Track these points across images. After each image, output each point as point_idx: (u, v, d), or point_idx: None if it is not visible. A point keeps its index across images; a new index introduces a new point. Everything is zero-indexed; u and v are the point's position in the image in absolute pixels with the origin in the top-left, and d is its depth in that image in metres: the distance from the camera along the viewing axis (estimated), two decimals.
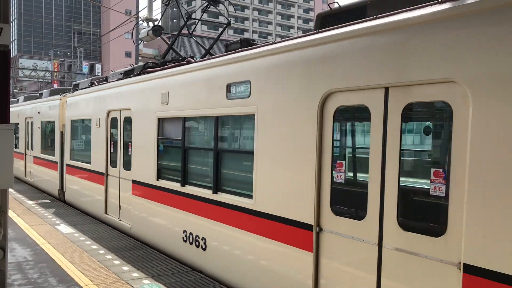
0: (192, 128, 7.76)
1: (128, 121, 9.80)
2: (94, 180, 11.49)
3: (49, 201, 13.94)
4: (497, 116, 3.52)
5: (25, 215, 11.38)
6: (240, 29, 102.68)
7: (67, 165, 13.55)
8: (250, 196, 6.16)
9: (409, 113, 4.32)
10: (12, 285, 6.33)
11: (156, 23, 12.99)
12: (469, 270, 3.66)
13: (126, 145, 9.90)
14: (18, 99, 22.03)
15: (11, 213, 11.52)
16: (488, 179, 3.58)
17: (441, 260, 3.92)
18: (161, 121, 8.45)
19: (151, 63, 10.25)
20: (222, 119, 6.89)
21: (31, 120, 17.60)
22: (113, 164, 10.53)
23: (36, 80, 55.47)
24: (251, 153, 6.16)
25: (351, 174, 5.45)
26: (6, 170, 4.48)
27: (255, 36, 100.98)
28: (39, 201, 13.75)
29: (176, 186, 7.92)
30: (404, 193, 4.45)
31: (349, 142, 5.30)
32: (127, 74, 10.84)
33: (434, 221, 4.13)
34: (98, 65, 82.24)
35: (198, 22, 11.08)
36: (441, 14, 3.98)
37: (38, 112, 16.59)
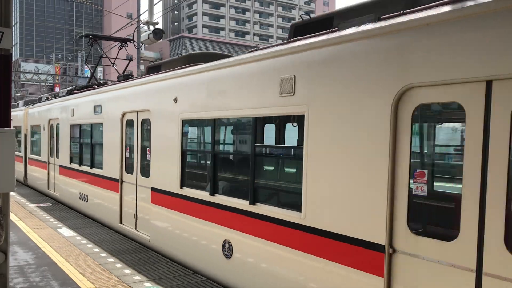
0: (84, 131, 12.62)
1: (58, 126, 14.77)
2: (42, 167, 16.49)
3: (50, 204, 13.97)
4: (157, 126, 8.46)
5: (27, 219, 11.40)
6: (242, 32, 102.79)
7: (29, 158, 18.58)
8: (102, 169, 11.12)
9: (143, 123, 9.22)
10: None
11: (157, 26, 13.01)
12: (153, 189, 8.59)
13: (57, 142, 14.84)
14: None
15: (13, 217, 11.54)
16: (156, 151, 8.47)
17: (147, 187, 8.89)
18: (71, 126, 13.45)
19: (81, 86, 15.00)
20: (93, 125, 11.82)
21: None
22: (51, 155, 15.57)
23: (38, 83, 55.58)
24: (102, 144, 11.09)
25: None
26: (7, 173, 4.48)
27: (256, 39, 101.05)
28: (41, 205, 13.78)
29: (76, 166, 12.90)
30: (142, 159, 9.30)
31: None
32: (68, 92, 15.13)
33: (147, 171, 8.90)
34: (99, 69, 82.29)
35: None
36: (140, 82, 9.40)
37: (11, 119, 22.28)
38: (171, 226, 8.07)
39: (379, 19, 4.62)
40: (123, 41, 15.31)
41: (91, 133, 11.89)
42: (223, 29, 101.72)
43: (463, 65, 3.63)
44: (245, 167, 6.35)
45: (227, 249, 6.46)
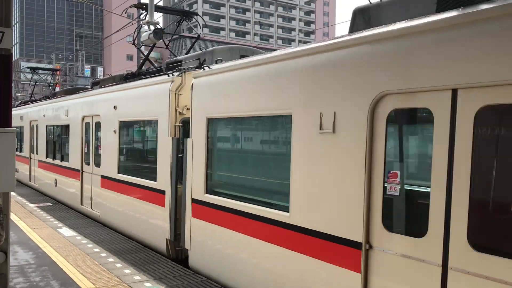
0: (22, 131, 20.13)
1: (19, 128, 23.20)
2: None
3: (50, 204, 13.98)
4: (41, 128, 17.19)
5: (27, 218, 11.41)
6: (242, 32, 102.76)
7: None
8: (23, 152, 19.83)
9: (37, 127, 18.10)
10: None
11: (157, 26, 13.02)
12: (39, 161, 17.30)
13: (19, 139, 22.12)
14: None
15: (13, 216, 11.54)
16: (41, 140, 16.98)
17: (38, 160, 17.41)
18: (19, 128, 20.79)
19: (24, 101, 22.48)
20: (21, 127, 20.19)
21: None
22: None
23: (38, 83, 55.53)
24: (22, 138, 20.25)
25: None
26: (8, 173, 4.48)
27: (257, 39, 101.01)
28: (41, 205, 13.79)
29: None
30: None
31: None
32: (17, 105, 22.82)
33: (38, 151, 17.74)
34: (100, 68, 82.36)
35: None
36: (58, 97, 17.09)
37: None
38: (41, 177, 16.54)
39: (101, 87, 10.87)
40: (53, 71, 25.46)
41: (20, 132, 20.51)
42: (223, 29, 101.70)
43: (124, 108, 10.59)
44: (60, 145, 14.12)
45: (56, 183, 14.57)
